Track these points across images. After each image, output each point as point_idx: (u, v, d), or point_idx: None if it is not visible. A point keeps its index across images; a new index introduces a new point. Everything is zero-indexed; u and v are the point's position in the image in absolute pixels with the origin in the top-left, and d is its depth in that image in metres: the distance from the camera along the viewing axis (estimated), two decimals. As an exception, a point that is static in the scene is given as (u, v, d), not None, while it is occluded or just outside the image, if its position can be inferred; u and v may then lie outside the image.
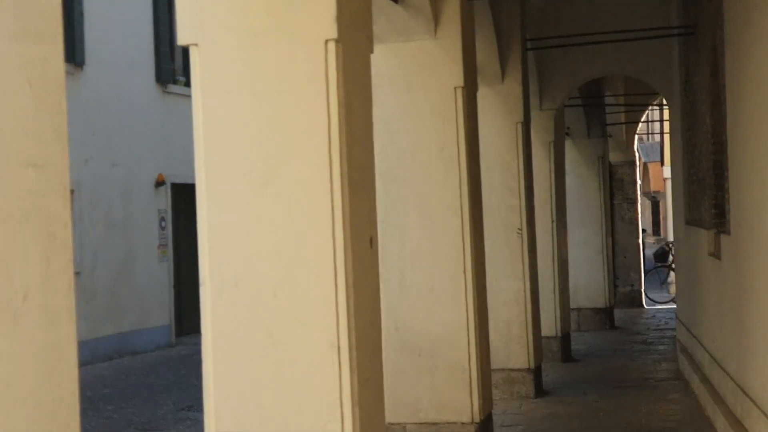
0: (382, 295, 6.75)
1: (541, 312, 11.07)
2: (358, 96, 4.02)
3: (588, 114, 16.03)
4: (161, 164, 16.31)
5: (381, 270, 6.66)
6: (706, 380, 8.27)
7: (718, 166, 7.74)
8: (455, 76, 6.43)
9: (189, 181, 17.76)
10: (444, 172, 6.44)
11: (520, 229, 9.19)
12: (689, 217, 10.09)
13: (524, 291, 9.22)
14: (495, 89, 9.22)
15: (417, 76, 6.48)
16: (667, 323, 16.89)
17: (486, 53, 8.78)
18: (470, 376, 6.46)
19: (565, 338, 12.09)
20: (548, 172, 11.74)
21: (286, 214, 3.89)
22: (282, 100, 3.83)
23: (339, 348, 3.86)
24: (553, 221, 11.70)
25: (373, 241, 4.26)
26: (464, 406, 6.45)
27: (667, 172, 26.45)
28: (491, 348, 8.55)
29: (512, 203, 9.20)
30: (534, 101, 11.40)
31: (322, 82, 3.75)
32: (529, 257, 9.30)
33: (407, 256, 6.50)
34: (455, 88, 6.42)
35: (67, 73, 14.40)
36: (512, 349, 9.21)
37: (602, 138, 16.52)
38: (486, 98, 9.18)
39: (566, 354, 12.11)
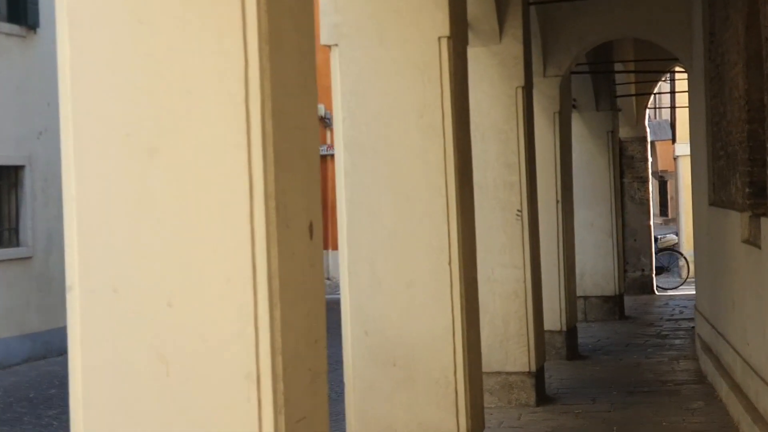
0: (348, 293, 5.70)
1: (544, 304, 10.02)
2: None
3: (596, 84, 14.92)
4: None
5: (347, 262, 5.61)
6: (737, 389, 7.21)
7: (754, 137, 6.66)
8: (439, 23, 5.33)
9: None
10: (424, 141, 5.36)
11: (520, 211, 8.11)
12: (714, 197, 9.02)
13: (524, 282, 8.15)
14: (491, 49, 8.11)
15: (391, 24, 5.38)
16: (681, 312, 15.87)
17: (480, 5, 7.68)
18: (456, 390, 5.38)
19: (571, 333, 11.03)
20: (552, 147, 10.65)
21: (183, 193, 2.83)
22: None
23: (258, 379, 2.81)
24: (557, 201, 10.62)
25: (313, 229, 3.18)
26: (449, 427, 5.38)
27: (680, 149, 25.35)
28: (485, 348, 7.52)
29: (511, 180, 8.12)
30: (537, 67, 10.28)
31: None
32: (531, 243, 8.22)
33: (379, 244, 5.42)
34: (439, 39, 5.32)
35: (18, 35, 13.38)
36: (510, 350, 8.15)
37: (611, 111, 15.43)
38: (480, 59, 8.08)
39: (572, 351, 11.05)
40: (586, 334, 12.76)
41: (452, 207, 5.35)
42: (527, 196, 8.16)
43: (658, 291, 19.99)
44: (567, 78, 11.16)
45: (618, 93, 16.55)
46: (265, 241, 2.84)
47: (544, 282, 9.82)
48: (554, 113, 10.70)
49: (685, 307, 16.69)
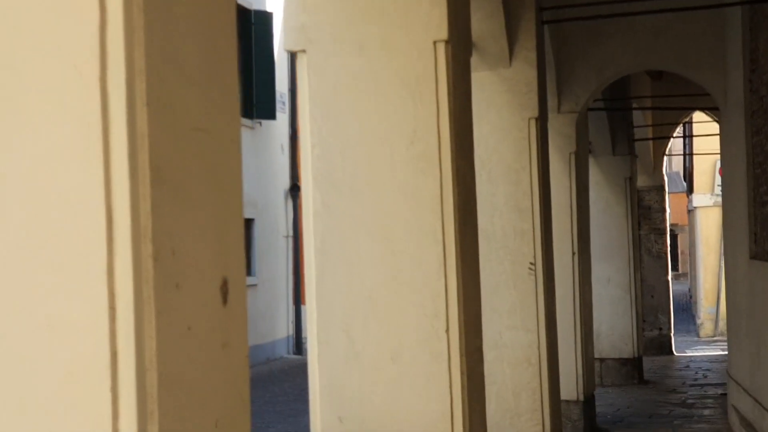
0: (317, 368, 4.56)
1: (560, 369, 8.87)
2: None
3: (612, 126, 13.85)
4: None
5: (317, 329, 4.48)
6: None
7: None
8: (434, 25, 4.23)
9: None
10: (415, 175, 4.24)
11: (533, 264, 6.98)
12: (757, 250, 7.90)
13: (538, 347, 6.99)
14: (500, 74, 7.03)
15: (374, 27, 4.29)
16: (705, 376, 14.65)
17: (486, 21, 6.61)
18: (456, 495, 4.23)
19: (588, 403, 9.84)
20: (568, 191, 9.54)
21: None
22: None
23: None
24: (573, 254, 9.49)
25: (228, 290, 2.06)
26: None
27: (697, 200, 24.24)
28: (491, 426, 6.37)
29: (522, 228, 6.99)
30: (551, 102, 9.20)
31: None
32: (546, 301, 7.07)
33: (358, 307, 4.29)
34: (435, 44, 4.22)
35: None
36: (522, 428, 6.97)
37: (629, 156, 14.34)
38: (486, 86, 7.00)
39: (590, 423, 9.86)
40: (603, 402, 11.56)
41: (450, 258, 4.22)
42: (542, 247, 7.03)
43: (677, 351, 18.78)
44: (584, 115, 10.09)
45: (636, 136, 15.47)
46: (132, 309, 1.74)
47: (559, 345, 8.70)
48: (570, 154, 9.61)
49: (708, 370, 15.49)
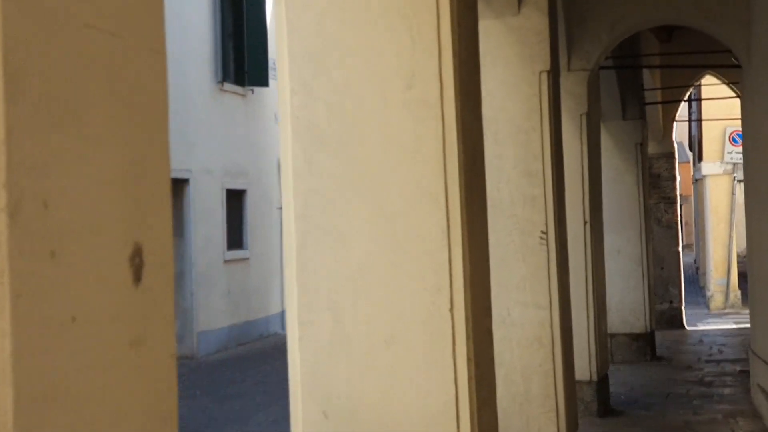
0: (298, 356, 3.94)
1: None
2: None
3: (623, 88, 13.18)
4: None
5: (297, 309, 3.86)
6: None
7: None
8: (434, -53, 3.59)
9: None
10: (414, 126, 3.61)
11: (545, 234, 6.36)
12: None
13: (550, 325, 6.37)
14: (507, 23, 6.39)
15: (364, -50, 3.64)
16: (721, 351, 14.07)
17: (493, -39, 5.96)
18: (462, 501, 3.62)
19: (602, 383, 9.24)
20: (579, 156, 8.90)
21: None
22: None
23: None
24: (585, 222, 8.87)
25: (144, 264, 1.43)
26: None
27: (706, 169, 23.60)
28: (498, 413, 5.81)
29: (533, 194, 6.37)
30: (561, 59, 8.55)
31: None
32: (559, 275, 6.45)
33: (346, 281, 3.67)
34: (434, -29, 3.58)
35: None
36: (532, 415, 6.37)
37: (640, 120, 13.68)
38: (492, 36, 6.36)
39: (604, 404, 9.26)
40: (616, 381, 10.97)
41: (455, 225, 3.59)
42: (554, 215, 6.40)
43: (688, 325, 18.19)
44: (596, 73, 9.43)
45: (646, 100, 14.80)
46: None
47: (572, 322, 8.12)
48: (581, 115, 8.97)
49: (723, 345, 14.90)
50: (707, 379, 11.36)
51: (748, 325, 18.07)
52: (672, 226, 18.17)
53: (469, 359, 3.63)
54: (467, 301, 3.65)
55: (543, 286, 6.36)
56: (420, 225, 3.62)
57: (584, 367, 8.91)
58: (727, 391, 10.40)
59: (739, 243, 27.12)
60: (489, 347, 3.99)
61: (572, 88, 8.93)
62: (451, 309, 3.62)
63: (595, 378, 9.01)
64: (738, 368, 11.91)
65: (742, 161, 22.98)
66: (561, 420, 6.40)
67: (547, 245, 6.34)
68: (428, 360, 3.62)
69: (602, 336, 9.33)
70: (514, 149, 6.38)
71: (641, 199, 13.41)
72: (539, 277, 6.36)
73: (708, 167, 23.33)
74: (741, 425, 8.47)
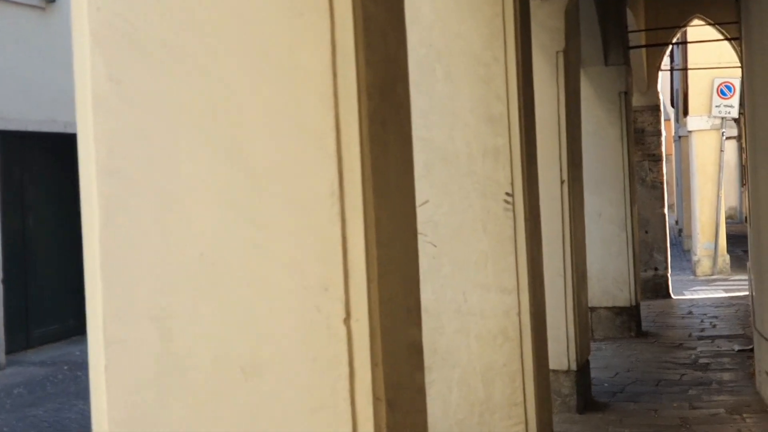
0: (106, 390, 2.59)
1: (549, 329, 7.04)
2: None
3: (605, 30, 11.83)
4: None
5: (103, 317, 2.51)
6: None
7: None
8: None
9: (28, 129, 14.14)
10: (289, 26, 2.26)
11: (511, 196, 5.02)
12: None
13: (518, 314, 5.04)
14: (461, -77, 5.02)
15: None
16: (714, 326, 12.87)
17: None
18: None
19: (582, 373, 7.98)
20: (555, 101, 7.58)
21: None
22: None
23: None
24: (563, 182, 7.57)
25: None
26: None
27: (692, 123, 22.33)
28: (453, 424, 4.61)
29: (495, 145, 5.02)
30: (531, -14, 7.18)
31: None
32: (529, 248, 5.12)
33: (180, 277, 2.31)
34: None
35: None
36: (495, 429, 5.05)
37: (624, 66, 12.33)
38: (443, -61, 4.99)
39: (584, 398, 8.00)
40: (598, 364, 9.73)
41: (353, 183, 2.27)
42: (522, 173, 5.07)
43: (674, 293, 17.02)
44: (575, 4, 8.07)
45: (631, 44, 13.48)
46: None
47: (546, 301, 6.87)
48: (557, 53, 7.63)
49: (715, 318, 13.72)
50: (702, 360, 10.13)
51: (740, 294, 16.92)
52: (657, 186, 16.95)
53: (377, 399, 2.31)
54: (374, 303, 2.32)
55: (509, 263, 5.03)
56: (298, 184, 2.29)
57: (561, 355, 7.66)
58: (726, 376, 9.17)
59: (727, 203, 26.00)
60: (415, 374, 2.65)
61: (546, 21, 7.59)
62: (347, 319, 2.29)
63: (573, 367, 7.74)
64: (736, 347, 10.70)
65: (731, 115, 21.82)
66: (532, 433, 5.09)
67: (514, 211, 5.01)
68: (310, 399, 2.30)
69: (582, 316, 8.05)
70: (472, 88, 5.03)
71: (625, 156, 12.10)
72: (504, 252, 5.03)
73: (694, 122, 22.05)
74: (749, 424, 7.22)
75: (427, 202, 5.06)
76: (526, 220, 5.04)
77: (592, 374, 8.83)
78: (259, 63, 2.30)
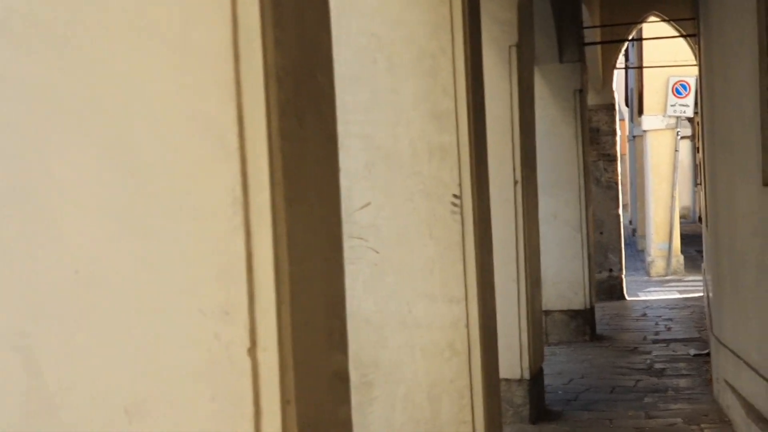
0: None
1: (498, 339, 6.71)
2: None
3: (560, 26, 11.54)
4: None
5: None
6: None
7: None
8: None
9: None
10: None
11: (459, 198, 4.66)
12: (774, 173, 5.72)
13: (467, 326, 4.68)
14: None
15: None
16: (669, 328, 12.65)
17: None
18: None
19: (535, 381, 7.64)
20: (508, 97, 7.24)
21: None
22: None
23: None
24: (516, 183, 7.23)
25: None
26: None
27: (647, 123, 22.16)
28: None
29: (441, 143, 4.65)
30: (483, -23, 6.83)
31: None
32: (479, 254, 4.76)
33: (48, 297, 1.93)
34: None
35: None
36: (442, 451, 4.68)
37: (579, 63, 12.04)
38: None
39: (537, 407, 7.68)
40: (551, 370, 9.42)
41: (259, 186, 1.91)
42: (471, 172, 4.70)
43: (629, 295, 16.81)
44: (528, -3, 7.74)
45: (586, 40, 13.20)
46: None
47: (498, 307, 6.54)
48: (510, 47, 7.29)
49: (669, 320, 13.50)
50: (657, 365, 9.85)
51: (694, 295, 16.75)
52: (612, 186, 16.72)
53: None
54: (285, 328, 1.95)
55: (456, 270, 4.67)
56: (192, 188, 1.91)
57: (514, 364, 7.33)
58: (683, 382, 8.88)
59: (681, 203, 25.90)
60: (339, 408, 2.26)
61: (498, 13, 7.24)
62: (253, 348, 1.92)
63: (527, 376, 7.40)
64: (692, 351, 10.44)
65: (686, 114, 21.66)
66: (481, 455, 4.73)
67: (462, 214, 4.64)
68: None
69: (536, 323, 7.72)
70: (416, 81, 4.66)
71: (580, 156, 11.82)
72: (451, 259, 4.67)
73: (649, 121, 21.87)
74: (707, 434, 6.93)
75: (368, 204, 4.69)
76: (475, 224, 4.68)
77: (546, 381, 8.52)
78: (145, 42, 1.92)
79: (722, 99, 7.34)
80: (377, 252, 4.69)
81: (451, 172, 4.63)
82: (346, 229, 4.72)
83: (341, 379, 2.31)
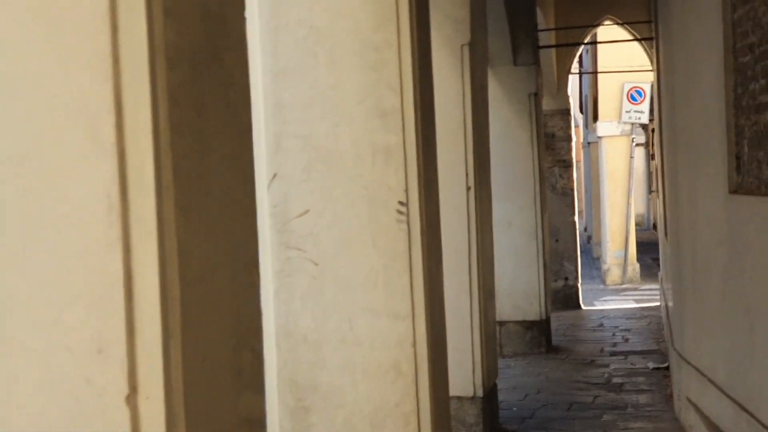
0: None
1: (450, 354, 6.37)
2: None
3: (514, 27, 11.24)
4: None
5: None
6: None
7: None
8: None
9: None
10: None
11: (405, 205, 4.28)
12: (741, 180, 5.41)
13: (413, 344, 4.30)
14: None
15: None
16: (626, 339, 12.38)
17: None
18: None
19: (489, 399, 7.29)
20: (460, 98, 6.90)
21: None
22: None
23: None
24: (469, 188, 6.88)
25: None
26: None
27: (602, 129, 21.97)
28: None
29: (387, 144, 4.28)
30: (434, -29, 6.49)
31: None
32: (426, 264, 4.39)
33: None
34: None
35: None
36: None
37: (534, 66, 11.74)
38: None
39: (491, 426, 7.32)
40: (507, 385, 9.10)
41: (142, 186, 1.52)
42: (419, 176, 4.33)
43: (585, 304, 16.55)
44: (482, -7, 7.41)
45: (541, 43, 12.92)
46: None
47: (449, 320, 6.20)
48: (462, 47, 6.95)
49: (627, 330, 13.24)
50: (616, 380, 9.55)
51: (650, 304, 16.52)
52: (568, 193, 16.46)
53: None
54: (175, 369, 1.58)
55: (402, 283, 4.30)
56: (57, 192, 1.53)
57: (466, 381, 6.98)
58: (642, 399, 8.58)
59: (635, 210, 25.73)
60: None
61: (450, 11, 6.90)
62: (133, 395, 1.54)
63: (480, 393, 7.05)
64: (650, 365, 10.16)
65: (641, 121, 21.50)
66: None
67: (408, 222, 4.27)
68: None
69: (490, 337, 7.37)
70: (360, 75, 4.29)
71: (536, 161, 11.51)
72: (397, 270, 4.29)
73: (604, 128, 21.69)
74: (670, 456, 6.62)
75: (307, 212, 4.31)
76: (422, 232, 4.31)
77: (500, 396, 8.18)
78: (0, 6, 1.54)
79: (684, 102, 7.04)
80: (316, 264, 4.31)
81: (396, 176, 4.26)
82: (284, 239, 4.34)
83: (255, 425, 1.92)
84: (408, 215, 4.27)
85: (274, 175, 4.32)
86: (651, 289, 19.02)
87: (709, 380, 6.32)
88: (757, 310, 5.13)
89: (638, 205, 33.11)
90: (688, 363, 7.06)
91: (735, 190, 5.54)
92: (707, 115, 6.06)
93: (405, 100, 4.27)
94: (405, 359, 4.29)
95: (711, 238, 6.18)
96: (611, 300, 18.20)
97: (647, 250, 25.85)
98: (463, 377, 6.91)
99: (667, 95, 8.29)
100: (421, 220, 4.30)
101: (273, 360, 4.35)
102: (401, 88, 4.27)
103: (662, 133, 9.30)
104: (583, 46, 18.99)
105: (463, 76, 6.92)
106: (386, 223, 4.28)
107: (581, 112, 33.35)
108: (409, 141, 4.28)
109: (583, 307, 16.34)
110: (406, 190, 4.26)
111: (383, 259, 4.28)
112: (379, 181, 4.27)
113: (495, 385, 7.64)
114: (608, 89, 21.18)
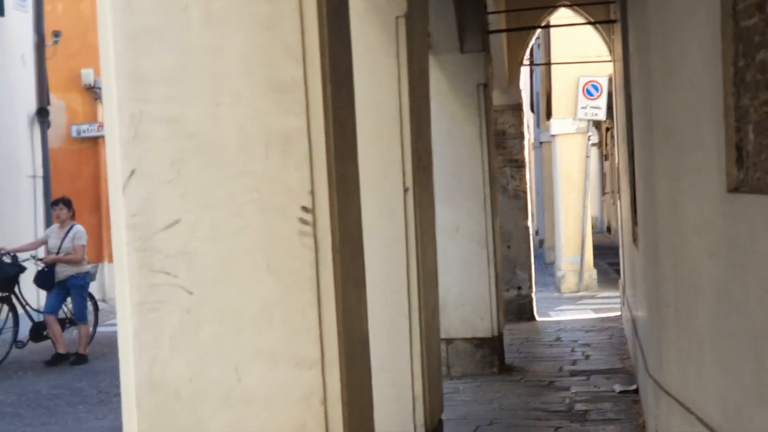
0: None
1: (386, 388, 5.38)
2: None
3: (461, 12, 10.21)
4: None
5: None
6: None
7: None
8: None
9: None
10: None
11: (310, 212, 3.20)
12: (743, 176, 4.41)
13: (323, 400, 3.21)
14: None
15: None
16: (587, 356, 11.41)
17: None
18: None
19: (433, 441, 6.23)
20: (395, 83, 5.83)
21: None
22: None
23: None
24: (406, 190, 5.82)
25: None
26: None
27: (556, 127, 21.06)
28: None
29: (286, 130, 3.19)
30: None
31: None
32: (341, 291, 3.31)
33: None
34: None
35: None
36: None
37: (483, 53, 10.72)
38: None
39: (436, 474, 6.27)
40: (454, 413, 8.07)
41: None
42: (329, 172, 3.25)
43: (539, 315, 15.61)
44: (420, -43, 6.34)
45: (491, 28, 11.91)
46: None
47: (384, 342, 5.19)
48: (396, 18, 5.89)
49: (587, 345, 12.28)
50: (579, 406, 8.54)
51: (610, 314, 15.59)
52: (520, 196, 15.52)
53: None
54: None
55: (308, 318, 3.21)
56: None
57: (405, 418, 5.92)
58: (610, 430, 7.57)
59: (591, 213, 24.86)
60: None
61: (382, -24, 5.84)
62: None
63: (421, 430, 5.99)
64: (617, 387, 9.17)
65: (598, 117, 20.62)
66: None
67: (315, 235, 3.19)
68: None
69: (434, 365, 6.31)
70: (247, 37, 3.20)
71: (485, 160, 10.49)
72: (300, 302, 3.21)
73: (558, 125, 20.77)
74: None
75: (177, 222, 3.21)
76: (335, 249, 3.23)
77: (446, 430, 7.13)
78: None
79: (664, 85, 6.03)
80: (191, 293, 3.21)
81: (298, 172, 3.18)
82: (146, 259, 3.23)
83: None
84: (315, 226, 3.19)
85: (132, 173, 3.22)
86: (610, 297, 18.15)
87: (698, 418, 5.30)
88: (766, 339, 4.10)
89: (592, 208, 32.35)
90: (669, 395, 6.05)
91: (735, 188, 4.52)
92: (696, 97, 5.04)
93: (309, 69, 3.19)
94: (312, 421, 3.20)
95: (701, 247, 5.16)
96: (567, 310, 17.30)
97: (603, 254, 25.05)
98: (402, 417, 5.86)
99: (640, 80, 7.29)
100: (333, 232, 3.22)
101: (133, 423, 3.24)
102: (303, 53, 3.19)
103: (630, 129, 8.33)
104: (535, 40, 18.06)
105: (398, 56, 5.86)
106: (285, 237, 3.19)
107: (532, 111, 32.53)
108: (315, 125, 3.20)
109: (537, 318, 15.42)
110: (312, 192, 3.18)
111: (281, 285, 3.19)
112: (275, 179, 3.18)
113: (440, 421, 6.58)
114: (562, 84, 20.27)
